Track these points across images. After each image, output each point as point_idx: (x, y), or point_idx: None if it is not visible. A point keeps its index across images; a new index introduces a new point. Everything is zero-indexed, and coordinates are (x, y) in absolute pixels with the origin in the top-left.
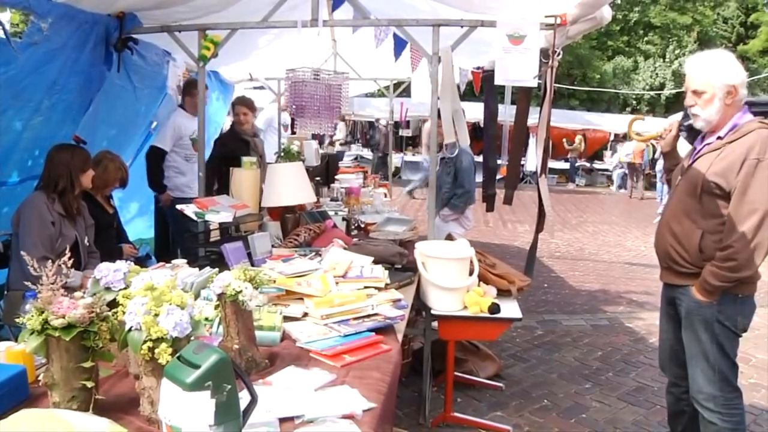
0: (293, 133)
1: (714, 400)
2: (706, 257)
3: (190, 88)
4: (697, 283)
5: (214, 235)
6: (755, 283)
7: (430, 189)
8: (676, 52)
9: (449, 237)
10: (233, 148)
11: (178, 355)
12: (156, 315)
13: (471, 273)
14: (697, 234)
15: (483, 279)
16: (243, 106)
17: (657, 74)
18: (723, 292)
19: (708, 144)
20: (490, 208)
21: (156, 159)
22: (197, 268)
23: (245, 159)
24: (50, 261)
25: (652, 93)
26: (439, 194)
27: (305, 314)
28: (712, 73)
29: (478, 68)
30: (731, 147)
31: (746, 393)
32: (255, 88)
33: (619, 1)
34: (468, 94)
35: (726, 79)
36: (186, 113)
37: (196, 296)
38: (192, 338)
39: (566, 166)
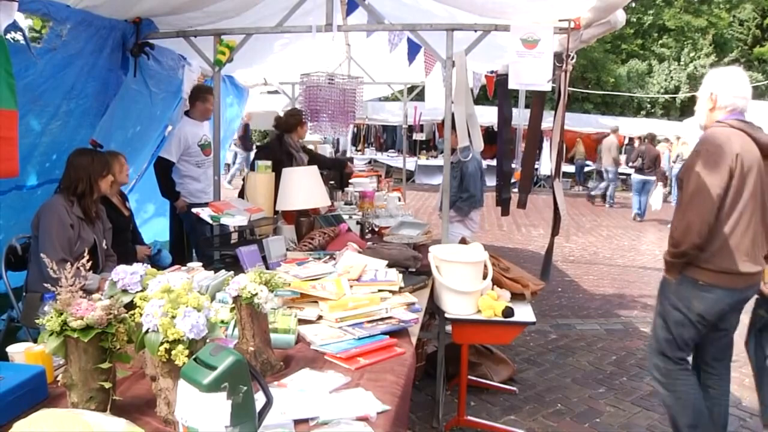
0: None
1: (658, 369)
2: None
3: (198, 94)
4: None
5: (233, 238)
6: (718, 274)
7: (443, 193)
8: (691, 55)
9: (463, 241)
10: (278, 158)
11: (194, 356)
12: (173, 317)
13: (485, 277)
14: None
15: (497, 283)
16: (305, 124)
17: (672, 77)
18: (684, 276)
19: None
20: (505, 212)
21: (164, 169)
22: (213, 271)
23: (259, 163)
24: (69, 263)
25: (666, 96)
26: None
27: (320, 317)
28: (705, 82)
29: (492, 72)
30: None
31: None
32: (269, 92)
33: (633, 4)
34: (482, 98)
35: (709, 87)
36: (192, 121)
37: (212, 299)
38: (208, 340)
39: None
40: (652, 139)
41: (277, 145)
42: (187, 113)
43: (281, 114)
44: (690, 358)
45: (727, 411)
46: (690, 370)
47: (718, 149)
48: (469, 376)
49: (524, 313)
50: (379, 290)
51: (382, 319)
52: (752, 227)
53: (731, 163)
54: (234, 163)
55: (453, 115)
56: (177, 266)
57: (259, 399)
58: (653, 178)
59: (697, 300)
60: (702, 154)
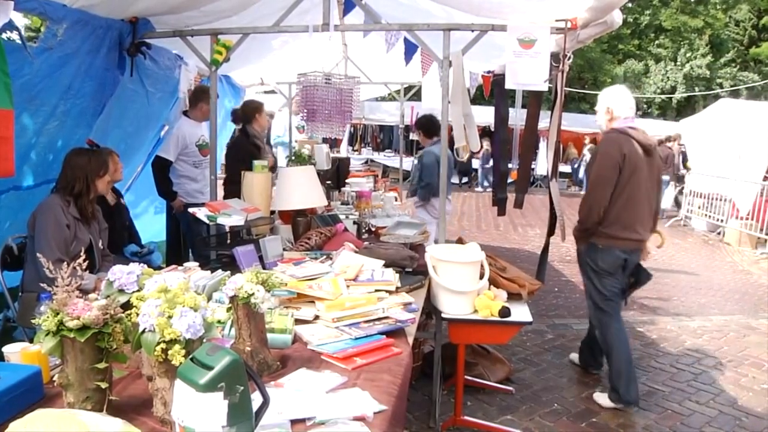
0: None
1: (594, 317)
2: None
3: (198, 95)
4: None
5: (229, 238)
6: (611, 239)
7: (441, 192)
8: (688, 55)
9: (460, 240)
10: (251, 153)
11: (191, 356)
12: (169, 317)
13: (482, 277)
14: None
15: (493, 283)
16: (264, 112)
17: (668, 78)
18: (589, 243)
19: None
20: (501, 211)
21: (161, 169)
22: (209, 271)
23: (257, 162)
24: (65, 263)
25: (663, 96)
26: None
27: (316, 317)
28: (601, 100)
29: (489, 72)
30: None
31: (759, 398)
32: (266, 92)
33: (630, 5)
34: (478, 98)
35: (606, 103)
36: (191, 121)
37: (209, 299)
38: (205, 340)
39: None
40: (666, 140)
41: (245, 140)
42: (185, 113)
43: (276, 112)
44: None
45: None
46: (619, 321)
47: (611, 151)
48: (466, 376)
49: (521, 313)
50: (376, 290)
51: (378, 319)
52: (637, 207)
53: (620, 161)
54: None
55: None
56: (174, 266)
57: (256, 399)
58: (665, 177)
59: (600, 259)
60: (601, 155)
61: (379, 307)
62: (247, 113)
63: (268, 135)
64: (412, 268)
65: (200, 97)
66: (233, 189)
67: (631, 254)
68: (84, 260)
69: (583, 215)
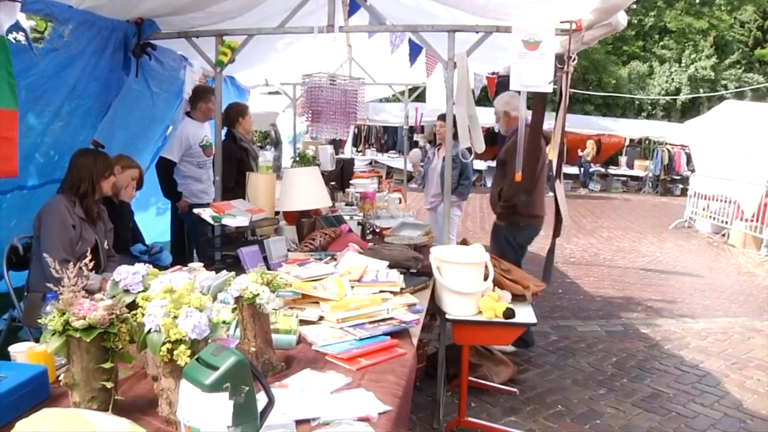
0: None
1: None
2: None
3: (200, 94)
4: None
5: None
6: (532, 218)
7: (446, 194)
8: (692, 56)
9: (464, 242)
10: (238, 157)
11: (196, 356)
12: (175, 317)
13: (486, 278)
14: (497, 189)
15: (498, 284)
16: (249, 115)
17: (673, 79)
18: (509, 221)
19: (503, 138)
20: None
21: (165, 170)
22: (214, 272)
23: (261, 164)
24: (70, 263)
25: (667, 98)
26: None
27: (321, 318)
28: (500, 105)
29: (493, 73)
30: (510, 139)
31: (764, 401)
32: (270, 93)
33: (634, 6)
34: (483, 99)
35: (504, 107)
36: (194, 121)
37: (214, 299)
38: (210, 340)
39: (577, 171)
40: None
41: (233, 143)
42: (188, 114)
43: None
44: None
45: None
46: None
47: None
48: (470, 378)
49: (525, 314)
50: (381, 291)
51: (383, 320)
52: (542, 189)
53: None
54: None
55: (454, 116)
56: (178, 266)
57: (261, 399)
58: None
59: (520, 235)
60: (510, 150)
61: (384, 308)
62: (231, 116)
63: (278, 136)
64: (416, 269)
65: (199, 96)
66: (228, 196)
67: (541, 227)
68: (89, 260)
69: (509, 195)
